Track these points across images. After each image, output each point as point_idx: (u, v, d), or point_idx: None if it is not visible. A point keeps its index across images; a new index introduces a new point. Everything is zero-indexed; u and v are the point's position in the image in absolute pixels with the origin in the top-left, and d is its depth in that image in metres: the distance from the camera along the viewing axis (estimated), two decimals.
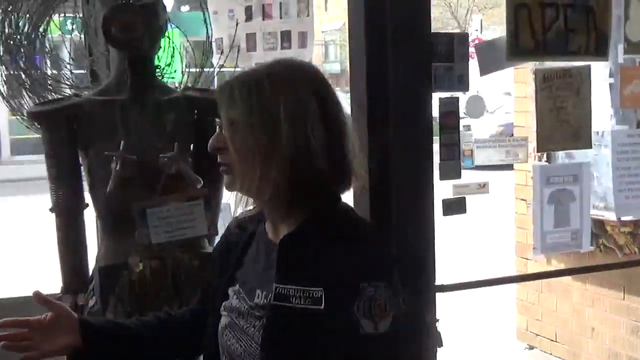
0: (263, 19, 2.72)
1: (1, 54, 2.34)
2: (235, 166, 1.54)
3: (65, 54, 2.50)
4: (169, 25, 2.42)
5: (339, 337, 1.48)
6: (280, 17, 2.66)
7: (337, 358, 1.49)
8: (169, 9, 2.92)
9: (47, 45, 2.42)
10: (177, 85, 2.51)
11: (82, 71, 2.57)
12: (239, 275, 1.63)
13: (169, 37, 2.48)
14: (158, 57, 2.46)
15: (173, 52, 2.49)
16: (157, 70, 2.41)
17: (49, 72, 2.43)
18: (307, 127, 1.51)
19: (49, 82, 2.40)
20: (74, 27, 2.48)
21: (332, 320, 1.47)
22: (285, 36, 2.65)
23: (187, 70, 2.55)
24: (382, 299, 1.48)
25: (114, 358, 1.68)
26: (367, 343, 1.48)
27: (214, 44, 2.62)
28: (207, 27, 2.54)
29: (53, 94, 2.39)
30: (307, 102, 1.52)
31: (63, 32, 2.47)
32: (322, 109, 1.53)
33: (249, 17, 2.76)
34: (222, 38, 2.80)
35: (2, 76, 2.38)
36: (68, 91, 2.43)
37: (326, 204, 1.57)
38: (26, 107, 2.37)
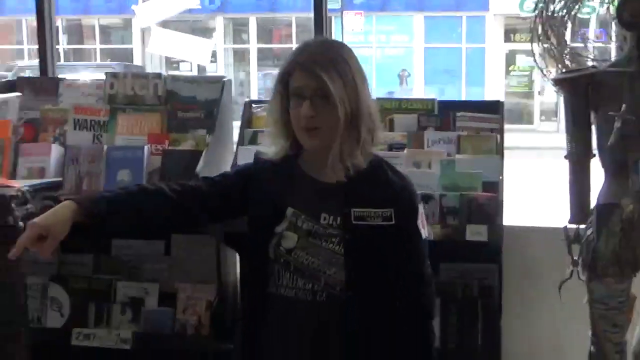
0: None
1: (540, 34, 3.03)
2: (324, 129, 2.05)
3: (590, 32, 3.10)
4: None
5: (405, 242, 2.11)
6: None
7: (403, 257, 2.11)
8: None
9: (576, 24, 3.03)
10: None
11: (600, 45, 3.14)
12: (289, 203, 2.11)
13: None
14: None
15: None
16: None
17: (572, 46, 3.04)
18: (370, 94, 2.06)
19: (573, 54, 3.02)
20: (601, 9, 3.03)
21: (399, 231, 2.08)
22: None
23: None
24: (424, 215, 2.11)
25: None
26: (425, 244, 2.09)
27: None
28: None
29: (575, 64, 3.00)
30: (365, 75, 2.07)
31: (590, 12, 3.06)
32: None
33: None
34: None
35: (539, 51, 3.06)
36: (589, 63, 3.01)
37: (368, 153, 2.09)
38: (553, 75, 3.02)
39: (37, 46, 4.11)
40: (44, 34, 4.07)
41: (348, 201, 2.08)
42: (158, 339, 3.16)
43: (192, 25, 19.84)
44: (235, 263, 3.31)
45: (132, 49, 21.34)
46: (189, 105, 3.27)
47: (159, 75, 3.33)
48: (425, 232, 2.15)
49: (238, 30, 21.72)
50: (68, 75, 4.03)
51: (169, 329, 3.18)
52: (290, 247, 2.07)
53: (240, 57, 21.74)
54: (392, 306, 2.12)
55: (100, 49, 21.99)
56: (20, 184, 2.97)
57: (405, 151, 3.18)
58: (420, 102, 3.43)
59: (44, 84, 3.51)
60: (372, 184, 2.09)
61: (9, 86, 3.51)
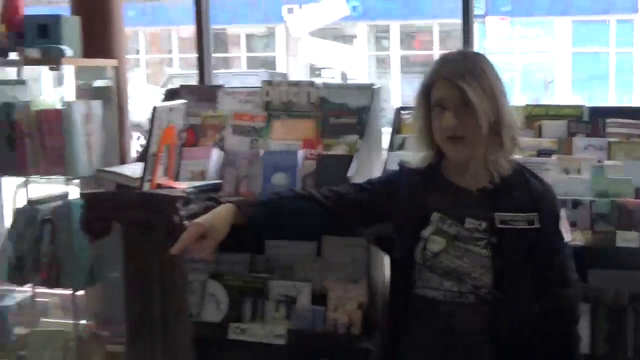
0: None
1: None
2: (467, 139, 2.12)
3: None
4: None
5: (549, 245, 2.16)
6: None
7: (547, 260, 2.16)
8: None
9: None
10: None
11: None
12: (434, 208, 2.19)
13: None
14: None
15: None
16: None
17: None
18: (509, 101, 2.09)
19: None
20: None
21: (543, 235, 2.08)
22: None
23: None
24: (565, 219, 2.16)
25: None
26: (566, 246, 2.15)
27: None
28: None
29: None
30: (504, 83, 2.10)
31: None
32: None
33: None
34: None
35: None
36: None
37: (509, 159, 2.14)
38: None
39: (185, 55, 4.37)
40: (201, 44, 4.32)
41: (492, 206, 2.15)
42: (310, 337, 3.29)
43: (333, 32, 20.16)
44: (384, 264, 3.40)
45: (275, 56, 21.86)
46: (341, 111, 3.40)
47: (311, 83, 3.48)
48: (567, 235, 2.23)
49: (379, 36, 21.87)
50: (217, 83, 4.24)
51: (321, 327, 3.31)
52: (437, 250, 2.16)
53: (382, 63, 21.88)
54: (537, 308, 2.18)
55: (243, 57, 22.62)
56: (184, 186, 3.18)
57: (554, 157, 3.19)
58: (569, 108, 3.42)
59: (204, 92, 3.73)
60: (515, 189, 2.16)
61: (172, 94, 3.74)
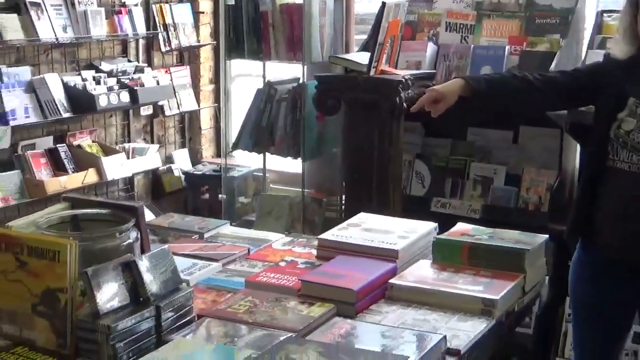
0: None
1: None
2: None
3: None
4: None
5: None
6: None
7: None
8: None
9: None
10: None
11: None
12: (631, 94, 2.48)
13: None
14: None
15: None
16: None
17: None
18: None
19: None
20: None
21: None
22: None
23: None
24: None
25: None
26: None
27: None
28: None
29: None
30: None
31: None
32: None
33: None
34: None
35: None
36: None
37: None
38: None
39: None
40: None
41: None
42: (502, 212, 3.76)
43: None
44: (575, 153, 3.78)
45: None
46: (547, 12, 3.76)
47: None
48: None
49: None
50: None
51: (513, 204, 3.77)
52: (629, 129, 2.49)
53: None
54: None
55: None
56: (403, 73, 3.68)
57: None
58: None
59: None
60: None
61: None
